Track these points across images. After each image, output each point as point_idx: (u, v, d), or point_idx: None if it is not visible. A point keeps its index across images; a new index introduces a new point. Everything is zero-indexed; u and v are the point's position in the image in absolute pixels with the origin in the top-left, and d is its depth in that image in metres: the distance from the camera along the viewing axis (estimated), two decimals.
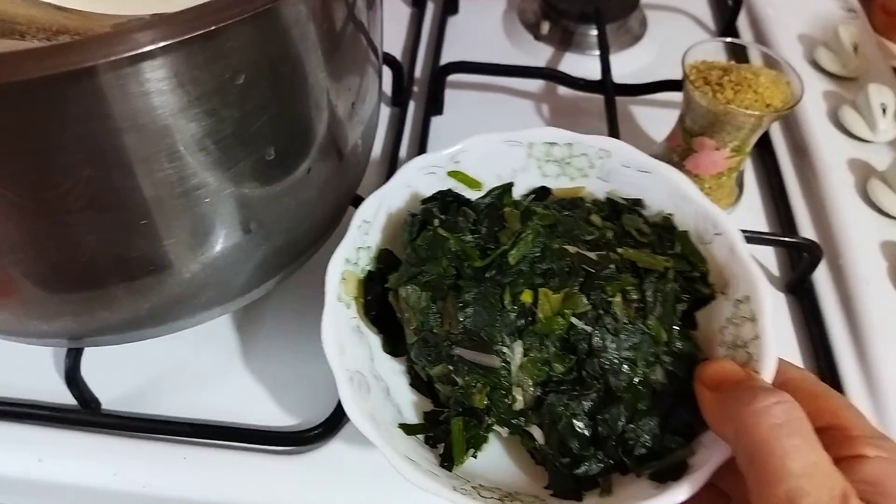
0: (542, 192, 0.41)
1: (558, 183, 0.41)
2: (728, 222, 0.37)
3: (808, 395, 0.29)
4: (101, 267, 0.33)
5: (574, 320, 0.33)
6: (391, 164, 0.57)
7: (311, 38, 0.32)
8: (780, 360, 0.32)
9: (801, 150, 0.60)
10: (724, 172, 0.52)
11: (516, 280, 0.34)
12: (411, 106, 0.63)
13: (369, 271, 0.38)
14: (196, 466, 0.41)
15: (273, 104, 0.31)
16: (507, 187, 0.40)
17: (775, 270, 0.53)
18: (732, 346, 0.34)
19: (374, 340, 0.37)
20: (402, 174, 0.39)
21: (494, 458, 0.35)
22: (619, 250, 0.36)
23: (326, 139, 0.36)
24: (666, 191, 0.39)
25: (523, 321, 0.34)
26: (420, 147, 0.58)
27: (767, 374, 0.31)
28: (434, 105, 0.62)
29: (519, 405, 0.34)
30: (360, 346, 0.36)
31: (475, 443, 0.34)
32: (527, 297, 0.34)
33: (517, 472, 0.35)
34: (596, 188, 0.41)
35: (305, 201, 0.38)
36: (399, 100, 0.62)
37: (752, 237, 0.51)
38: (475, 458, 0.34)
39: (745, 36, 0.71)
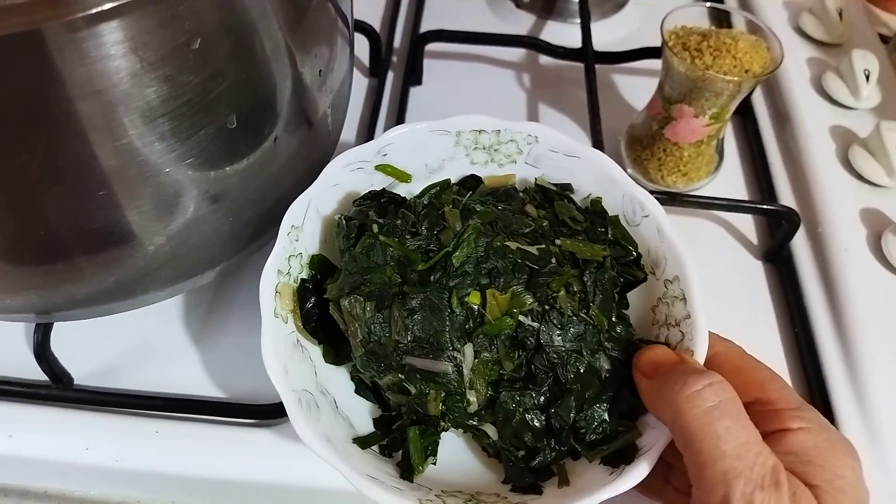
0: (473, 182, 0.41)
1: (487, 170, 0.41)
2: (654, 204, 0.37)
3: (735, 369, 0.31)
4: (62, 239, 0.32)
5: (521, 318, 0.33)
6: (369, 135, 0.56)
7: (271, 0, 0.31)
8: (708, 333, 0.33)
9: (782, 118, 0.59)
10: (703, 140, 0.51)
11: (462, 282, 0.34)
12: (390, 76, 0.62)
13: (302, 279, 0.37)
14: (168, 440, 0.40)
15: (232, 70, 0.31)
16: (445, 185, 0.39)
17: (754, 238, 0.53)
18: (666, 324, 0.35)
19: (315, 352, 0.36)
20: (327, 173, 0.37)
21: (448, 458, 0.35)
22: (558, 242, 0.36)
23: (292, 107, 0.36)
24: (593, 174, 0.39)
25: (471, 323, 0.34)
26: (398, 118, 0.57)
27: (700, 352, 0.32)
28: (413, 75, 0.61)
29: (473, 407, 0.34)
30: (303, 362, 0.35)
31: (433, 450, 0.34)
32: (474, 298, 0.34)
33: (472, 468, 0.35)
34: (525, 174, 0.41)
35: (273, 172, 0.37)
36: (377, 70, 0.61)
37: (731, 205, 0.51)
38: (434, 464, 0.34)
39: (731, 2, 0.70)
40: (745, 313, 0.49)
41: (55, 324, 0.41)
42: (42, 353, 0.40)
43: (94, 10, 0.23)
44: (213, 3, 0.28)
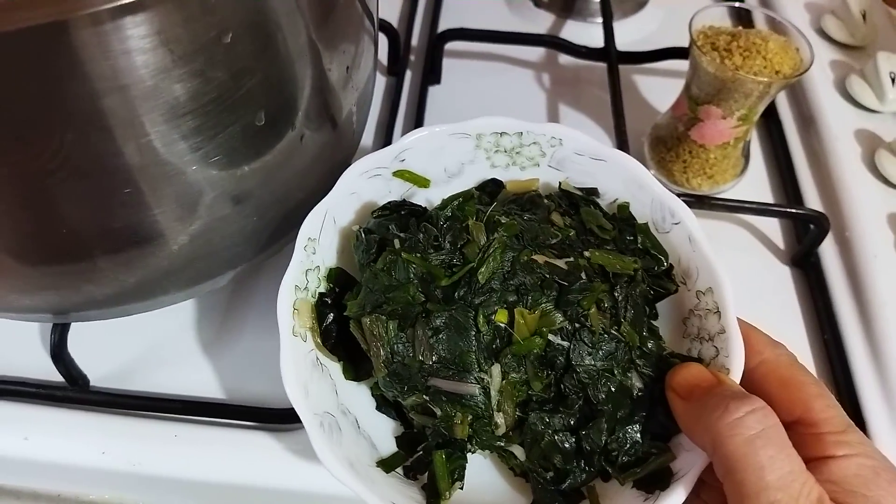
0: (494, 187, 0.39)
1: (509, 174, 0.39)
2: (686, 211, 0.36)
3: (781, 382, 0.30)
4: (83, 238, 0.31)
5: (551, 337, 0.32)
6: (387, 135, 0.55)
7: None
8: (755, 334, 0.32)
9: (807, 121, 0.58)
10: (730, 142, 0.50)
11: (488, 299, 0.33)
12: (408, 75, 0.61)
13: (320, 293, 0.36)
14: (187, 444, 0.40)
15: (263, 66, 0.30)
16: (467, 196, 0.37)
17: (780, 243, 0.52)
18: (698, 338, 0.34)
19: (335, 369, 0.35)
20: (344, 181, 0.36)
21: (475, 478, 0.34)
22: (587, 253, 0.35)
23: (319, 105, 0.35)
24: (621, 179, 0.38)
25: (499, 342, 0.32)
26: (417, 117, 0.56)
27: (737, 370, 0.31)
28: (431, 74, 0.60)
29: (501, 430, 0.33)
30: (323, 381, 0.34)
31: (460, 474, 0.33)
32: (502, 317, 0.32)
33: (500, 489, 0.34)
34: (548, 177, 0.39)
35: (298, 170, 0.36)
36: (395, 69, 0.60)
37: (758, 208, 0.50)
38: (461, 489, 0.33)
39: (751, 2, 0.69)
40: (773, 319, 0.47)
41: (72, 324, 0.40)
42: (59, 353, 0.40)
43: (126, 1, 0.23)
44: None
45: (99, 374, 0.42)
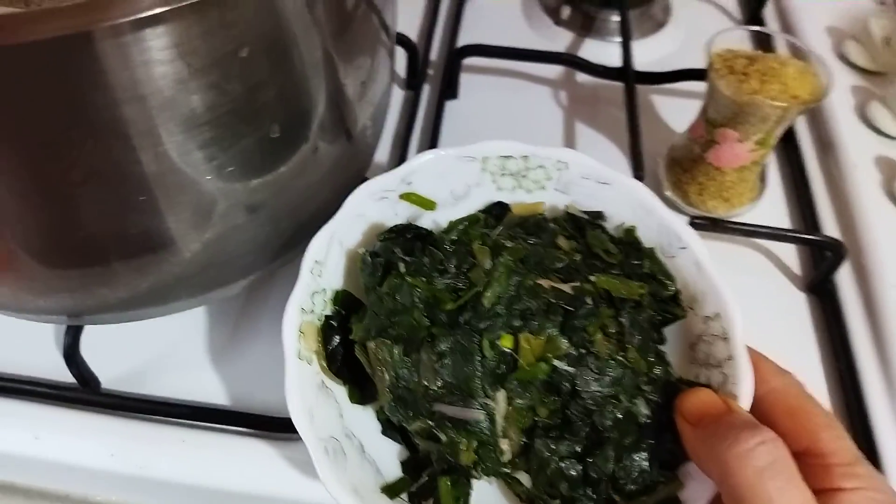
0: (500, 210, 0.39)
1: (514, 196, 0.40)
2: (692, 235, 0.36)
3: (789, 412, 0.30)
4: (99, 243, 0.32)
5: (556, 363, 0.32)
6: (403, 149, 0.55)
7: (319, 11, 0.31)
8: (763, 362, 0.32)
9: (826, 146, 0.58)
10: (747, 166, 0.50)
11: (493, 324, 0.33)
12: (425, 89, 0.62)
13: (327, 316, 0.36)
14: (195, 449, 0.40)
15: (278, 79, 0.30)
16: (473, 220, 0.38)
17: (797, 269, 0.52)
18: (706, 364, 0.34)
19: (340, 392, 0.35)
20: (350, 203, 0.36)
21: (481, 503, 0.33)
22: (592, 278, 0.35)
23: (334, 119, 0.35)
24: (627, 202, 0.38)
25: (503, 367, 0.32)
26: (433, 132, 0.56)
27: (745, 399, 0.31)
28: (449, 89, 0.60)
29: (507, 457, 0.32)
30: (328, 405, 0.34)
31: (465, 500, 0.33)
32: (507, 342, 0.32)
33: None
34: (555, 201, 0.39)
35: (312, 183, 0.36)
36: (413, 83, 0.61)
37: (774, 234, 0.50)
38: None
39: (772, 26, 0.69)
40: (787, 346, 0.47)
41: (85, 327, 0.41)
42: (72, 355, 0.40)
43: (144, 14, 0.23)
44: (262, 11, 0.28)
45: (110, 376, 0.43)
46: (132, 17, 0.23)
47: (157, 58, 0.26)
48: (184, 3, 0.23)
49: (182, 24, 0.25)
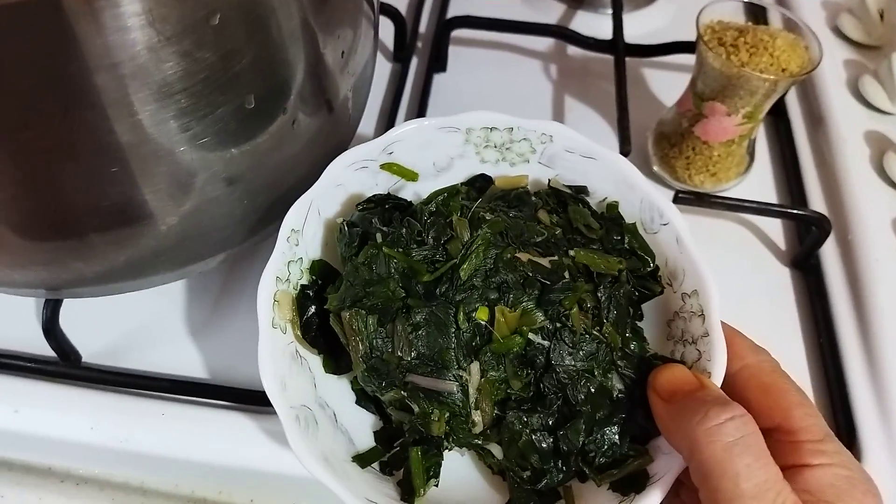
0: (483, 182, 0.39)
1: (498, 169, 0.39)
2: (674, 212, 0.35)
3: (762, 388, 0.30)
4: (73, 215, 0.31)
5: (531, 336, 0.32)
6: (389, 123, 0.55)
7: None
8: (739, 339, 0.32)
9: (817, 120, 0.57)
10: (734, 140, 0.50)
11: (469, 297, 0.32)
12: (414, 62, 0.61)
13: (303, 286, 0.35)
14: (175, 422, 0.40)
15: (252, 48, 0.30)
16: (453, 191, 0.37)
17: (781, 244, 0.52)
18: (682, 340, 0.34)
19: (315, 362, 0.35)
20: (330, 172, 0.36)
21: (451, 475, 0.33)
22: (572, 253, 0.34)
23: (313, 90, 0.35)
24: (611, 178, 0.37)
25: (478, 340, 0.32)
26: (421, 105, 0.56)
27: (718, 374, 0.31)
28: (437, 62, 0.59)
29: (478, 428, 0.32)
30: (302, 375, 0.34)
31: (435, 471, 0.33)
32: (482, 314, 0.32)
33: (476, 486, 0.34)
34: (538, 174, 0.39)
35: (290, 155, 0.36)
36: (401, 55, 0.60)
37: (760, 208, 0.49)
38: (437, 486, 0.33)
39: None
40: (769, 320, 0.48)
41: (65, 301, 0.41)
42: (51, 329, 0.40)
43: None
44: None
45: (91, 350, 0.43)
46: None
47: (128, 24, 0.25)
48: None
49: None
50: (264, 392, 0.40)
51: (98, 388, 0.41)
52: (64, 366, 0.42)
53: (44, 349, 0.41)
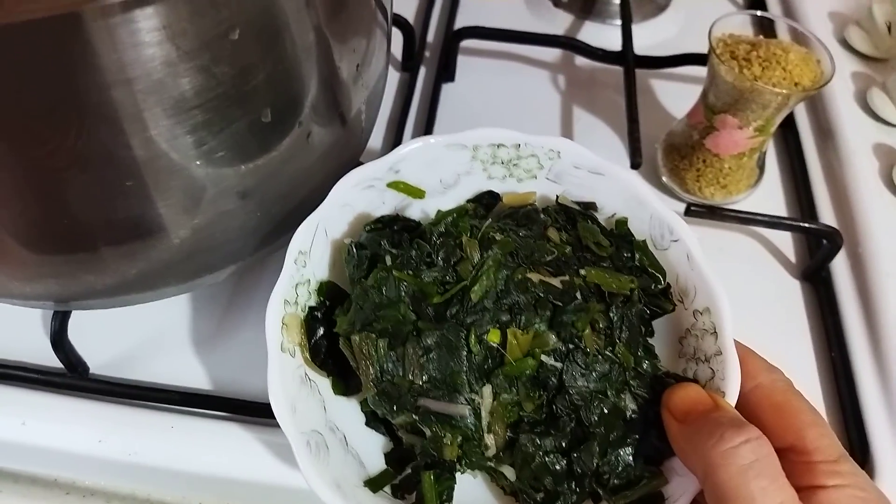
0: (490, 199, 0.39)
1: (505, 185, 0.39)
2: (685, 228, 0.35)
3: (775, 407, 0.30)
4: (85, 229, 0.31)
5: (544, 358, 0.32)
6: (398, 133, 0.54)
7: None
8: (752, 357, 0.32)
9: (825, 133, 0.57)
10: (745, 153, 0.49)
11: (481, 319, 0.32)
12: (422, 71, 0.61)
13: (310, 307, 0.35)
14: (183, 435, 0.39)
15: (270, 63, 0.29)
16: (462, 211, 0.37)
17: (792, 256, 0.51)
18: (694, 358, 0.33)
19: (324, 384, 0.35)
20: (336, 192, 0.35)
21: (464, 497, 0.33)
22: (582, 272, 0.34)
23: (328, 103, 0.34)
24: (619, 193, 0.37)
25: (490, 363, 0.32)
26: (429, 115, 0.56)
27: (732, 395, 0.31)
28: (445, 71, 0.59)
29: (491, 451, 0.32)
30: (311, 398, 0.33)
31: (448, 495, 0.32)
32: (494, 337, 0.32)
33: None
34: (546, 190, 0.39)
35: (304, 168, 0.36)
36: (409, 65, 0.60)
37: (771, 221, 0.49)
38: None
39: (774, 11, 0.68)
40: (780, 333, 0.48)
41: (73, 312, 0.40)
42: (59, 340, 0.40)
43: None
44: None
45: (99, 361, 0.42)
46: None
47: (146, 40, 0.25)
48: None
49: (170, 5, 0.24)
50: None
51: (106, 400, 0.40)
52: (71, 377, 0.41)
53: (51, 360, 0.41)
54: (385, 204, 0.38)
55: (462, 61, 0.60)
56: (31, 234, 0.31)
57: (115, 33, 0.24)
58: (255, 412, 0.40)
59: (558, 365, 0.32)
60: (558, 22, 0.66)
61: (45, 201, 0.29)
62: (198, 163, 0.30)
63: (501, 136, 0.37)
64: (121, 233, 0.32)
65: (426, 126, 0.55)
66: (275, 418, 0.39)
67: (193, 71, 0.27)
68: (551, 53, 0.63)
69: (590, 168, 0.37)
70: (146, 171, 0.29)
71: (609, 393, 0.32)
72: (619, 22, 0.62)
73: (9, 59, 0.24)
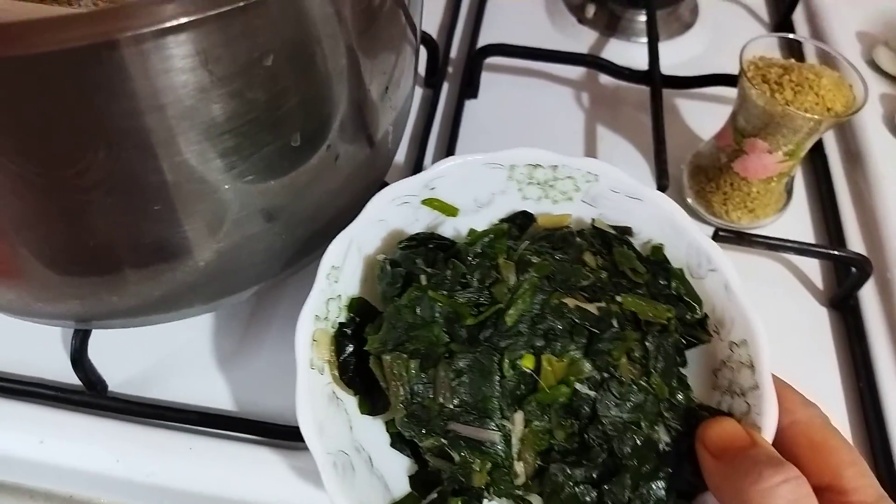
0: (524, 219, 0.38)
1: (540, 206, 0.38)
2: (723, 258, 0.34)
3: (812, 445, 0.29)
4: (111, 251, 0.31)
5: (578, 386, 0.31)
6: (420, 149, 0.54)
7: (346, 15, 0.29)
8: (789, 392, 0.31)
9: (854, 157, 0.56)
10: (773, 177, 0.49)
11: (515, 343, 0.31)
12: (444, 87, 0.60)
13: (340, 323, 0.34)
14: (202, 457, 0.39)
15: (302, 87, 0.29)
16: (499, 232, 0.36)
17: (819, 282, 0.51)
18: (729, 391, 0.33)
19: (351, 403, 0.34)
20: (371, 208, 0.35)
21: None
22: (619, 298, 0.34)
23: (357, 125, 0.34)
24: (656, 219, 0.36)
25: (523, 388, 0.31)
26: (452, 132, 0.55)
27: (769, 431, 0.30)
28: (469, 88, 0.59)
29: (521, 480, 0.31)
30: (338, 417, 0.33)
31: None
32: (528, 362, 0.31)
33: None
34: (581, 213, 0.38)
35: (330, 190, 0.35)
36: (432, 81, 0.59)
37: (801, 248, 0.48)
38: None
39: (801, 30, 0.67)
40: (806, 362, 0.47)
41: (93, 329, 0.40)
42: (79, 359, 0.39)
43: (170, 24, 0.22)
44: (289, 17, 0.26)
45: (117, 379, 0.42)
46: (157, 27, 0.22)
47: (179, 66, 0.24)
48: (209, 13, 0.22)
49: (206, 32, 0.24)
50: (294, 428, 0.39)
51: (125, 418, 0.40)
52: (90, 395, 0.41)
53: (69, 377, 0.41)
54: (418, 221, 0.37)
55: (485, 77, 0.60)
56: (55, 255, 0.31)
57: (149, 60, 0.24)
58: (275, 434, 0.40)
59: (592, 393, 0.31)
60: (583, 38, 0.65)
61: (71, 224, 0.29)
62: (226, 187, 0.30)
63: (539, 157, 0.37)
64: (146, 255, 0.31)
65: (449, 142, 0.54)
66: (295, 440, 0.39)
67: (226, 97, 0.26)
68: (575, 70, 0.62)
69: (628, 193, 0.36)
70: (174, 196, 0.29)
71: (643, 424, 0.31)
72: (644, 39, 0.61)
73: (40, 85, 0.23)
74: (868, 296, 0.49)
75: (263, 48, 0.26)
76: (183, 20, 0.22)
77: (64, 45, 0.21)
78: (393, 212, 0.36)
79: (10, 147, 0.25)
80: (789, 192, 0.52)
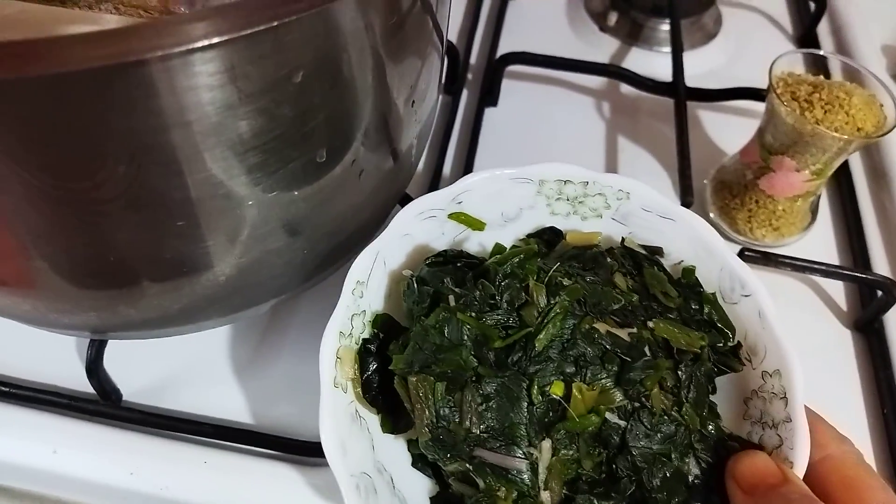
0: (552, 235, 0.37)
1: (569, 223, 0.37)
2: (758, 284, 0.33)
3: (845, 483, 0.28)
4: (131, 265, 0.30)
5: (608, 415, 0.30)
6: (440, 157, 0.53)
7: (377, 29, 0.29)
8: (822, 426, 0.31)
9: (880, 176, 0.55)
10: (800, 196, 0.48)
11: (544, 369, 0.31)
12: (464, 95, 0.59)
13: (364, 339, 0.34)
14: (216, 471, 0.38)
15: (330, 103, 0.28)
16: (529, 253, 0.35)
17: (843, 305, 0.50)
18: (760, 422, 0.32)
19: (373, 421, 0.34)
20: (398, 222, 0.34)
21: None
22: (650, 324, 0.33)
23: (382, 140, 0.33)
24: (688, 240, 0.36)
25: (552, 415, 0.31)
26: (472, 140, 0.54)
27: (800, 466, 0.29)
28: (489, 96, 0.58)
29: None
30: (361, 436, 0.32)
31: None
32: (557, 389, 0.31)
33: None
34: (611, 231, 0.37)
35: (353, 204, 0.35)
36: (452, 88, 0.59)
37: (827, 270, 0.47)
38: None
39: (826, 43, 0.66)
40: (829, 385, 0.46)
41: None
42: (94, 369, 0.39)
43: (199, 44, 0.21)
44: (319, 34, 0.25)
45: (132, 388, 0.42)
46: (187, 47, 0.21)
47: (207, 83, 0.24)
48: (239, 35, 0.21)
49: (235, 49, 0.23)
50: (311, 443, 0.39)
51: (138, 430, 0.39)
52: (104, 405, 0.40)
53: (83, 386, 0.40)
54: (444, 235, 0.37)
55: (505, 85, 0.59)
56: (75, 268, 0.30)
57: (177, 77, 0.23)
58: (291, 449, 0.39)
59: (622, 423, 0.30)
60: (604, 47, 0.64)
61: (93, 239, 0.28)
62: (250, 203, 0.29)
63: (569, 173, 0.36)
64: (166, 270, 0.31)
65: (468, 151, 0.54)
66: (312, 456, 0.39)
67: (254, 113, 0.26)
68: (596, 80, 0.62)
69: (660, 212, 0.36)
70: (198, 211, 0.28)
71: (673, 456, 0.30)
72: (666, 49, 0.60)
73: (65, 102, 0.23)
74: (893, 320, 0.48)
75: (293, 65, 0.25)
76: (215, 40, 0.21)
77: (92, 63, 0.20)
78: (418, 226, 0.36)
79: (33, 162, 0.24)
80: (814, 211, 0.51)
